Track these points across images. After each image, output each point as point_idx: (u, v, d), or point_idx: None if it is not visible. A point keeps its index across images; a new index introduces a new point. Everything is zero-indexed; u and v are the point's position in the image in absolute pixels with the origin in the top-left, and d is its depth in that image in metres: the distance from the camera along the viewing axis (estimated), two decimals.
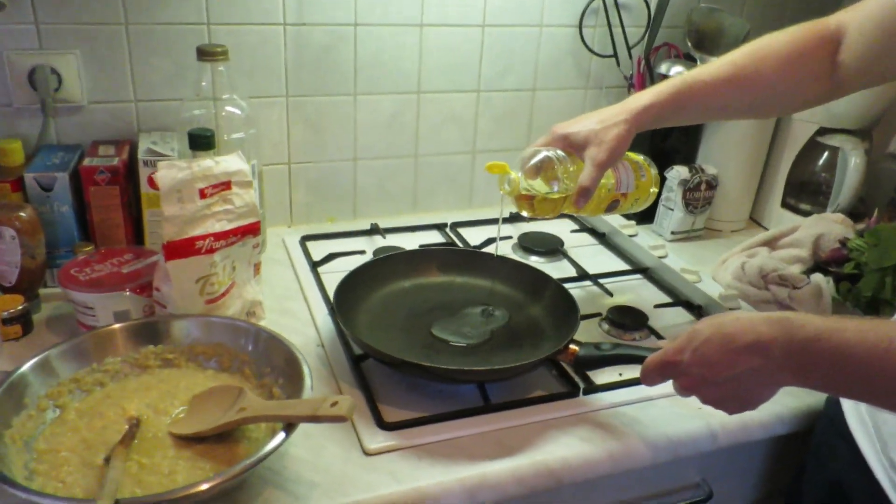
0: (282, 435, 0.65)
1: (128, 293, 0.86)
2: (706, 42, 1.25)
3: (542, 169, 0.86)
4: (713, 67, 0.86)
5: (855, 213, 1.22)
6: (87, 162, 0.97)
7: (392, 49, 1.18)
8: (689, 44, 1.25)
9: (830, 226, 1.13)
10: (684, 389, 0.69)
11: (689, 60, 1.24)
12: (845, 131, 1.24)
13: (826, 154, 1.28)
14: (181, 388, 0.77)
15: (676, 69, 1.20)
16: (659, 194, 1.25)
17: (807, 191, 1.31)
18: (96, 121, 1.07)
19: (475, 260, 1.04)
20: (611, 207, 0.94)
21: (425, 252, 1.06)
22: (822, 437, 0.83)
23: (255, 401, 0.71)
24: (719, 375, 0.64)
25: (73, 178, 0.96)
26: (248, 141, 1.05)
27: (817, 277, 1.03)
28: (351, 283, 0.92)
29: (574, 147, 0.86)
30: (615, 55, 1.29)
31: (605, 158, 0.82)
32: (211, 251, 0.84)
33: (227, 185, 0.85)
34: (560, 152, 0.86)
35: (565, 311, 0.91)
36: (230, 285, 0.88)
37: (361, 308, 0.93)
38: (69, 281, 0.86)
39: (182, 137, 1.02)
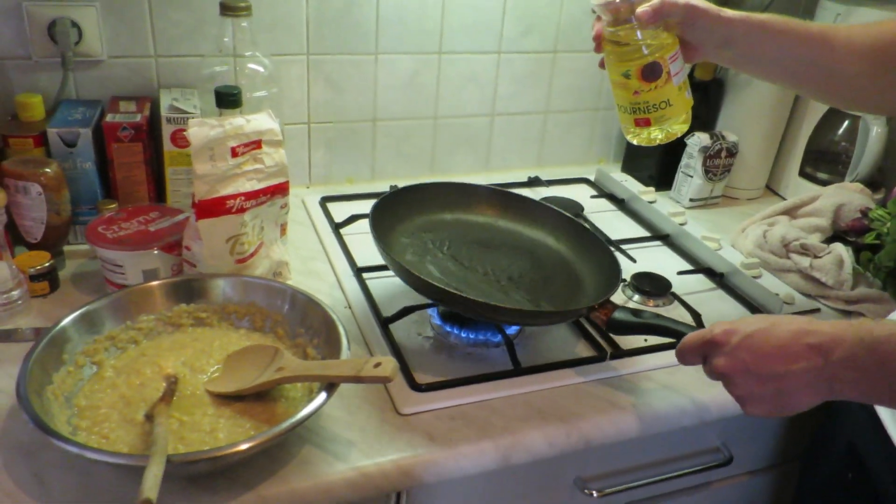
0: (323, 395, 0.66)
1: (156, 251, 0.86)
2: (730, 4, 1.23)
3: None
4: (803, 22, 0.80)
5: (873, 182, 1.23)
6: (109, 118, 0.96)
7: (414, 7, 1.16)
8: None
9: (850, 195, 1.13)
10: (719, 373, 0.65)
11: None
12: None
13: (846, 123, 1.27)
14: (215, 347, 0.78)
15: None
16: (679, 159, 1.26)
17: (825, 160, 1.31)
18: (115, 76, 1.05)
19: (522, 205, 1.02)
20: (649, 72, 0.80)
21: (469, 187, 1.02)
22: (839, 402, 0.84)
23: (294, 360, 0.71)
24: (768, 368, 0.61)
25: (95, 135, 0.95)
26: (270, 99, 1.04)
27: (838, 247, 1.04)
28: (389, 204, 0.91)
29: None
30: None
31: None
32: (241, 210, 0.83)
33: (257, 144, 0.84)
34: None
35: (608, 271, 0.89)
36: (259, 245, 0.88)
37: (398, 232, 0.92)
38: (98, 238, 0.86)
39: (203, 94, 1.01)
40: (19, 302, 0.84)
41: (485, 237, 0.97)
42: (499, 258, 0.93)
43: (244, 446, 0.61)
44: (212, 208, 0.81)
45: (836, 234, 1.12)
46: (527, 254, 0.96)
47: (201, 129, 0.79)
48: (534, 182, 1.29)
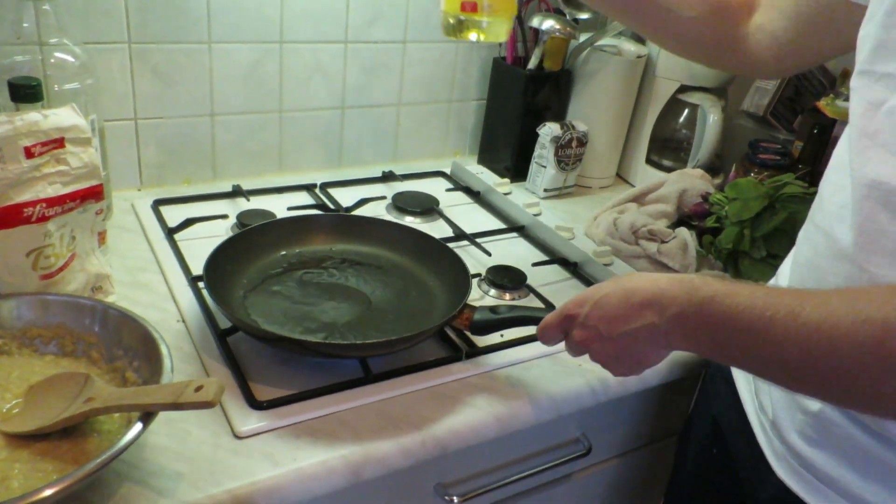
0: (138, 426, 0.58)
1: None
2: None
3: None
4: None
5: (712, 168, 1.28)
6: None
7: None
8: None
9: (692, 181, 1.17)
10: (578, 345, 0.68)
11: (560, 14, 1.23)
12: (704, 89, 1.29)
13: (686, 111, 1.32)
14: (13, 378, 0.67)
15: (549, 23, 1.18)
16: (532, 149, 1.25)
17: (669, 147, 1.35)
18: None
19: (354, 224, 0.98)
20: None
21: (301, 219, 0.98)
22: (709, 381, 0.88)
23: (105, 389, 0.63)
24: (616, 330, 0.63)
25: None
26: (84, 92, 0.93)
27: (682, 231, 1.07)
28: (220, 255, 0.84)
29: None
30: None
31: None
32: (43, 219, 0.72)
33: (59, 143, 0.73)
34: None
35: (455, 274, 0.87)
36: (70, 258, 0.77)
37: (232, 281, 0.85)
38: None
39: (1, 88, 0.89)
40: None
41: (325, 268, 0.92)
42: (345, 288, 0.88)
43: (41, 495, 0.52)
44: (5, 218, 0.70)
45: (681, 219, 1.15)
46: (374, 275, 0.91)
47: None
48: (388, 177, 1.24)
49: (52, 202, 0.73)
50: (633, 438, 0.99)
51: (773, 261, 0.98)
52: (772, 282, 0.78)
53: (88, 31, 0.98)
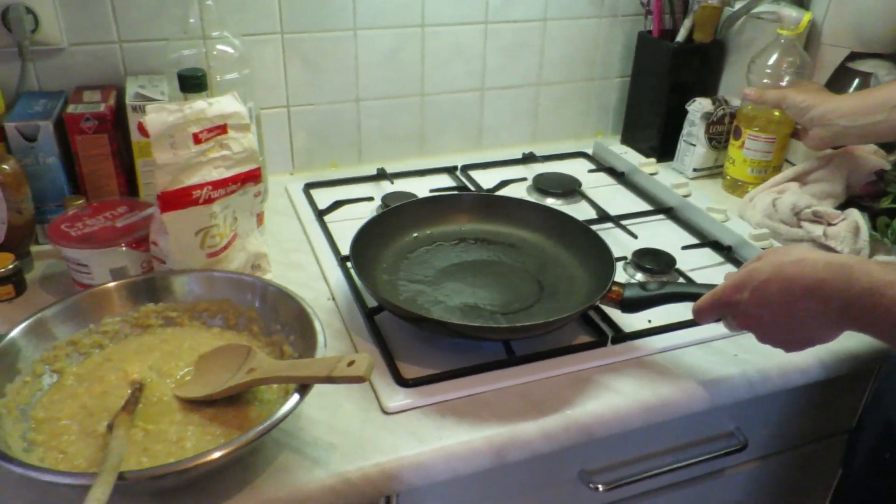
0: (295, 397, 0.60)
1: (124, 248, 0.80)
2: None
3: None
4: None
5: (887, 144, 1.16)
6: (71, 109, 0.90)
7: None
8: None
9: (864, 158, 1.06)
10: (740, 328, 0.68)
11: None
12: (877, 56, 1.16)
13: (857, 81, 1.20)
14: (185, 349, 0.72)
15: None
16: (681, 128, 1.19)
17: None
18: (79, 64, 0.99)
19: (495, 205, 0.97)
20: None
21: (442, 199, 0.98)
22: (884, 379, 0.81)
23: (265, 361, 0.66)
24: (780, 318, 0.63)
25: (58, 127, 0.89)
26: (242, 82, 0.98)
27: (853, 213, 0.98)
28: (368, 233, 0.86)
29: None
30: None
31: None
32: (209, 201, 0.78)
33: (222, 129, 0.78)
34: None
35: (596, 255, 0.85)
36: (232, 237, 0.83)
37: (379, 257, 0.87)
38: (60, 237, 0.80)
39: (171, 80, 0.95)
40: None
41: (468, 247, 0.92)
42: (483, 269, 0.88)
43: (212, 456, 0.56)
44: (177, 200, 0.76)
45: (850, 200, 1.05)
46: (509, 255, 0.90)
47: (159, 116, 0.73)
48: (528, 158, 1.22)
49: (216, 185, 0.78)
50: (793, 436, 0.92)
51: None
52: None
53: (245, 23, 1.04)
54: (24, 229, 0.87)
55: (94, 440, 0.61)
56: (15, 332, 0.66)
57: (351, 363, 0.59)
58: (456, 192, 1.08)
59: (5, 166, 0.83)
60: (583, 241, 0.89)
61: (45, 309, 0.70)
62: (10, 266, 0.83)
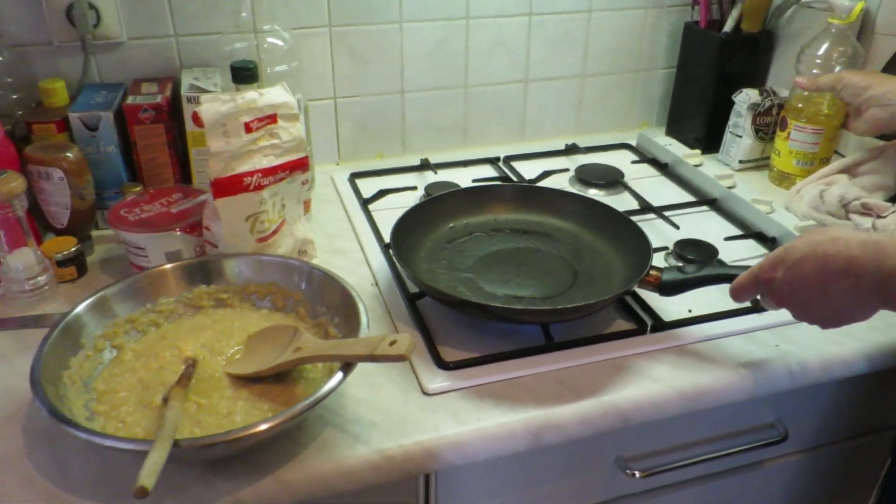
0: (339, 375, 0.63)
1: (178, 233, 0.84)
2: None
3: None
4: None
5: None
6: (129, 100, 0.94)
7: None
8: None
9: None
10: (777, 305, 0.68)
11: None
12: None
13: None
14: (235, 328, 0.76)
15: None
16: (727, 119, 1.18)
17: None
18: (137, 57, 1.03)
19: (532, 195, 0.98)
20: None
21: (482, 189, 1.00)
22: None
23: (311, 340, 0.69)
24: (814, 296, 0.63)
25: (117, 118, 0.93)
26: (291, 74, 1.01)
27: None
28: (407, 222, 0.88)
29: None
30: None
31: None
32: (259, 188, 0.81)
33: (272, 119, 0.81)
34: None
35: (633, 242, 0.85)
36: (280, 223, 0.86)
37: (418, 246, 0.90)
38: (120, 221, 0.85)
39: (224, 72, 0.99)
40: (46, 287, 0.84)
41: (506, 236, 0.93)
42: (523, 256, 0.89)
43: (260, 428, 0.59)
44: (228, 186, 0.79)
45: None
46: (545, 244, 0.92)
47: (213, 105, 0.76)
48: (571, 150, 1.23)
49: (266, 172, 0.81)
50: (836, 429, 0.91)
51: None
52: None
53: (295, 17, 1.07)
54: (86, 214, 0.92)
55: (150, 412, 0.65)
56: (80, 308, 0.70)
57: (393, 342, 0.61)
58: (494, 183, 1.09)
59: (69, 154, 0.88)
60: (618, 229, 0.89)
61: (106, 288, 0.74)
62: (73, 249, 0.87)
